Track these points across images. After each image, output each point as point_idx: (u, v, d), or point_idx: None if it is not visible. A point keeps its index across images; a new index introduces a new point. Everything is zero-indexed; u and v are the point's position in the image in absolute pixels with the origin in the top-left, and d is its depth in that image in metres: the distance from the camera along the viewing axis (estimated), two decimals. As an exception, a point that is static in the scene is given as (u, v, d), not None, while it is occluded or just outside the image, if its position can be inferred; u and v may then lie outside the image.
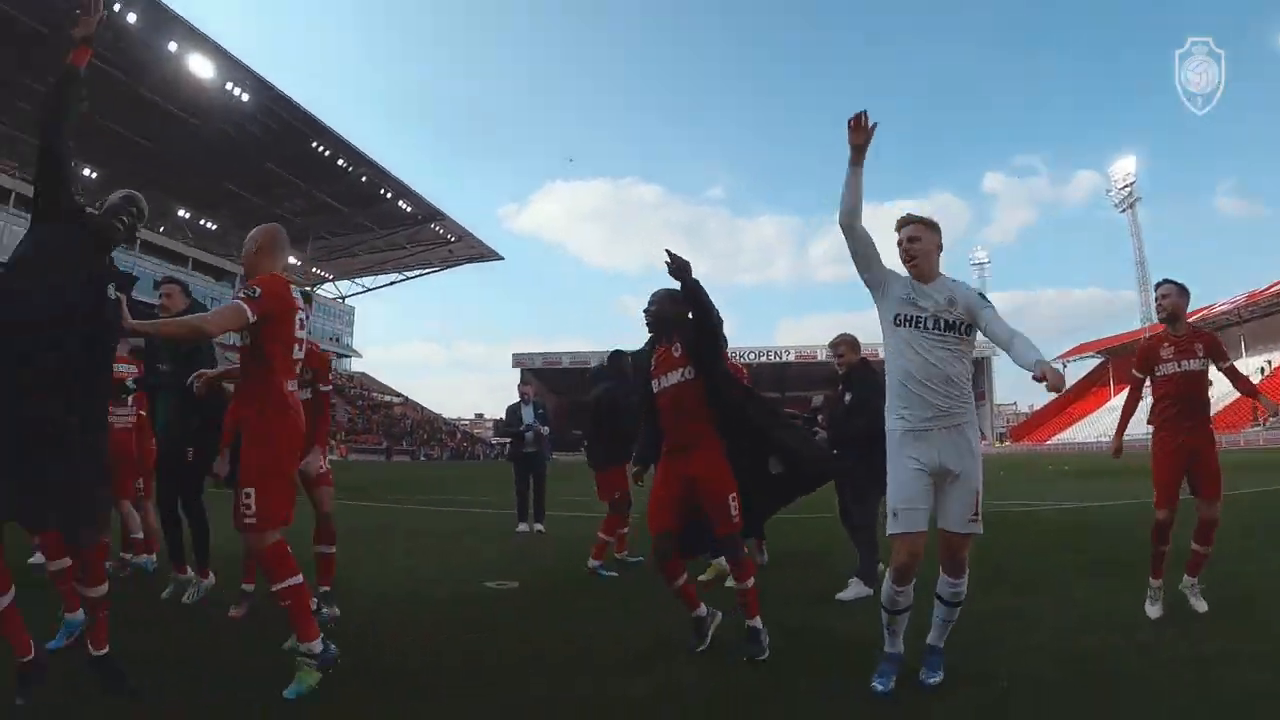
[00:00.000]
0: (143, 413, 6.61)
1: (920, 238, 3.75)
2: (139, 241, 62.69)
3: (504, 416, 11.39)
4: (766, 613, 4.28)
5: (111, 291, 3.43)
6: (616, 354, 7.95)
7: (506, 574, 6.91)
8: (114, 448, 5.05)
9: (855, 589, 5.68)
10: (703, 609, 4.36)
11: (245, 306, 3.53)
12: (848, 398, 6.08)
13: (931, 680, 3.64)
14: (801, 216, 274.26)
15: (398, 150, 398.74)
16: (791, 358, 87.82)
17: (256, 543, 3.58)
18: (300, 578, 3.63)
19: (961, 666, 3.77)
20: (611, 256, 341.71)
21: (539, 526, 10.39)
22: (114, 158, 50.42)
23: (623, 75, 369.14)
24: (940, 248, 3.82)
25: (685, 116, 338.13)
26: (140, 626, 4.49)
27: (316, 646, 3.58)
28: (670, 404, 4.41)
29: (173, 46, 42.74)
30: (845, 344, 6.30)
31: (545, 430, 10.84)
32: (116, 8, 38.03)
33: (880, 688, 3.56)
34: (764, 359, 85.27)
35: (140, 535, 6.56)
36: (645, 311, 4.58)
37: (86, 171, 51.68)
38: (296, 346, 3.79)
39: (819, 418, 6.91)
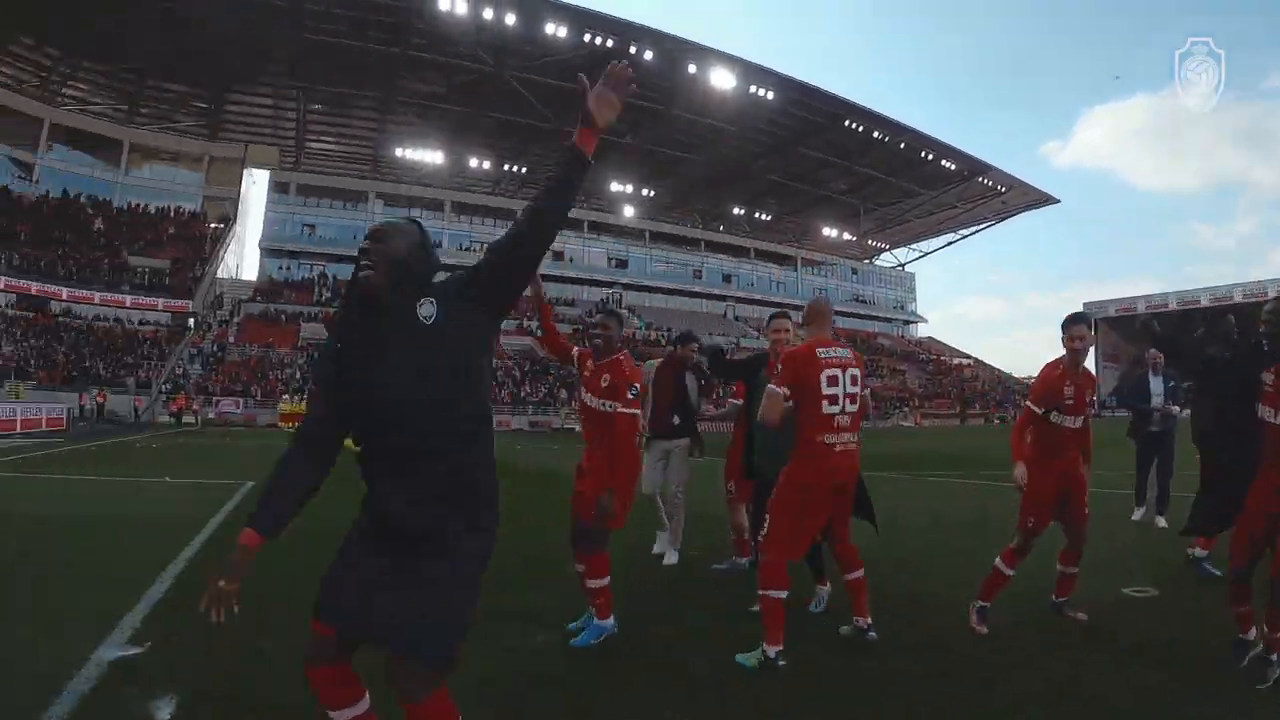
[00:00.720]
0: None
1: None
2: (702, 242, 70.60)
3: (1119, 384, 9.66)
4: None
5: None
6: (1222, 319, 5.83)
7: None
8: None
9: None
10: None
11: (776, 389, 4.13)
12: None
13: None
14: None
15: (921, 113, 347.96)
16: None
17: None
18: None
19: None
20: (1168, 178, 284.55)
21: (1160, 520, 8.75)
22: (665, 176, 58.17)
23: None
24: None
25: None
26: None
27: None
28: None
29: (692, 69, 47.15)
30: None
31: (1176, 411, 8.88)
32: (633, 50, 44.19)
33: None
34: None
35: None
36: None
37: (645, 192, 60.26)
38: (826, 402, 4.14)
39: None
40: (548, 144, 54.98)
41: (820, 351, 4.20)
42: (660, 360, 7.01)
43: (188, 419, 39.94)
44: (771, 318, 5.44)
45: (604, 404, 4.46)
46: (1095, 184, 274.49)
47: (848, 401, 4.17)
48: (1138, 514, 8.97)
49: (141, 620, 4.70)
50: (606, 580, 4.39)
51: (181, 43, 44.29)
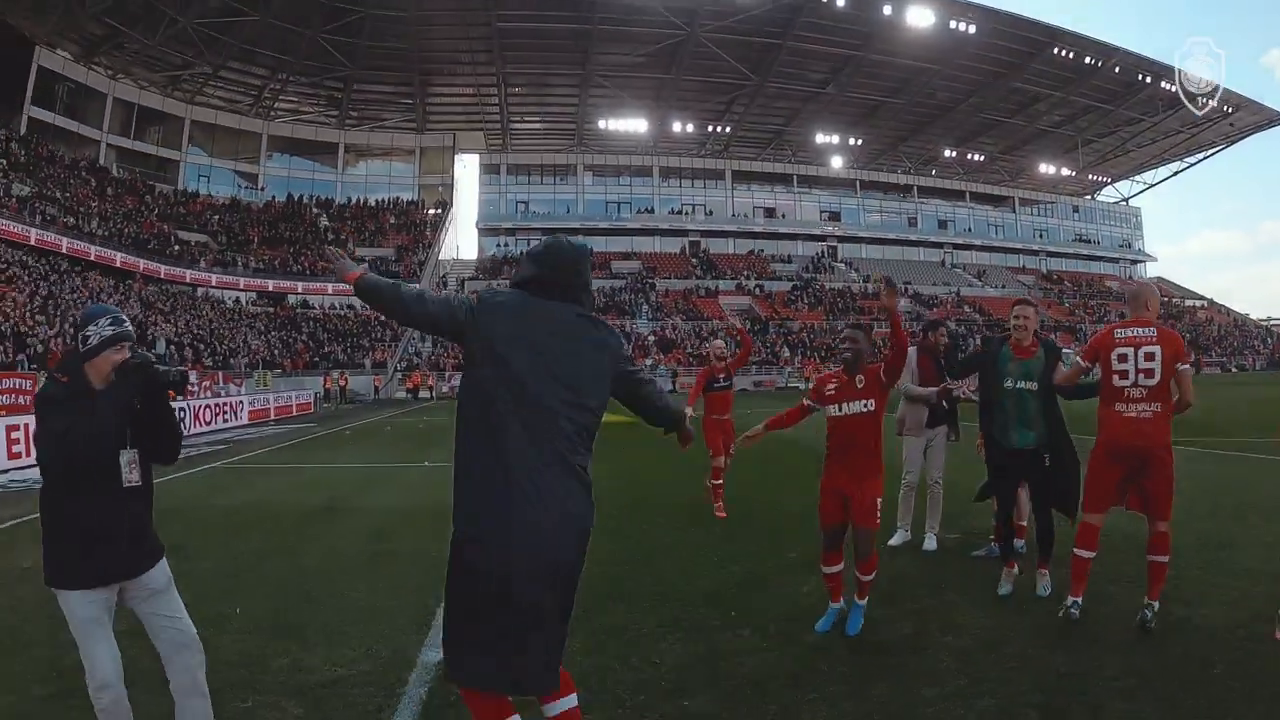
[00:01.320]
0: None
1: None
2: (914, 189, 68.97)
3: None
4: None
5: None
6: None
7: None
8: None
9: None
10: None
11: (1081, 361, 4.98)
12: None
13: None
14: None
15: (1132, 30, 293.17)
16: None
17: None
18: None
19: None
20: None
21: None
22: (870, 123, 58.75)
23: None
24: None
25: None
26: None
27: None
28: None
29: (887, 9, 47.53)
30: None
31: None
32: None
33: None
34: None
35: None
36: None
37: (851, 141, 60.73)
38: (1117, 376, 4.68)
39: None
40: (749, 101, 56.85)
41: (1117, 332, 4.74)
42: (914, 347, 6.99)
43: (423, 394, 44.26)
44: (1015, 304, 5.58)
45: (865, 404, 4.79)
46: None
47: (1141, 375, 4.61)
48: None
49: None
50: (874, 575, 4.87)
51: (381, 45, 50.21)
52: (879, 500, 4.77)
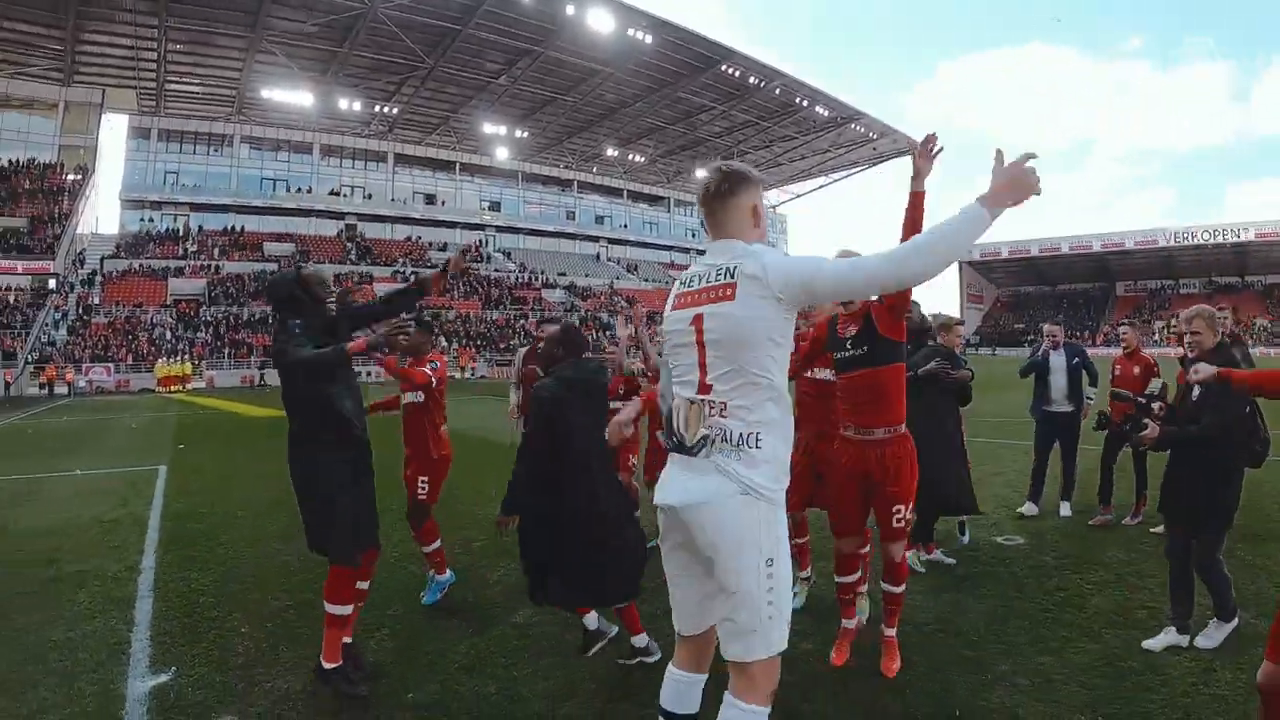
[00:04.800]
0: None
1: None
2: (575, 183, 77.64)
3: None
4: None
5: None
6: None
7: None
8: None
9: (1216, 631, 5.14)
10: None
11: None
12: (1196, 391, 5.12)
13: None
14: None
15: (798, 54, 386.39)
16: (1251, 236, 76.34)
17: None
18: None
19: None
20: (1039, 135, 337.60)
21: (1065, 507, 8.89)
22: (539, 118, 65.16)
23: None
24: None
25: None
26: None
27: None
28: None
29: (570, 9, 52.69)
30: (1201, 319, 5.39)
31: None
32: (509, -8, 50.87)
33: None
34: (1217, 239, 77.44)
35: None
36: None
37: (518, 133, 66.63)
38: None
39: (1155, 406, 5.47)
40: (419, 84, 60.48)
41: None
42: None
43: (59, 389, 43.17)
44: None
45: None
46: (960, 135, 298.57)
47: None
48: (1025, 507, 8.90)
49: (152, 646, 5.34)
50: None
51: None
52: None
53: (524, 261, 71.74)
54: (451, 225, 73.78)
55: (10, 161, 58.18)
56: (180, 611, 6.02)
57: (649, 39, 54.96)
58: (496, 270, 70.06)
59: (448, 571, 6.26)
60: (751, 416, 2.82)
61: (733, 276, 2.84)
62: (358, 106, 63.06)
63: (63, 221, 55.46)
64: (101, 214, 64.52)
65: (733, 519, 2.77)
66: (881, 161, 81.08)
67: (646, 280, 76.71)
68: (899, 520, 4.84)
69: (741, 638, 2.78)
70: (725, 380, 2.85)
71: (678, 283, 3.10)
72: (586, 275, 74.00)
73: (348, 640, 4.78)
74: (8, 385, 42.61)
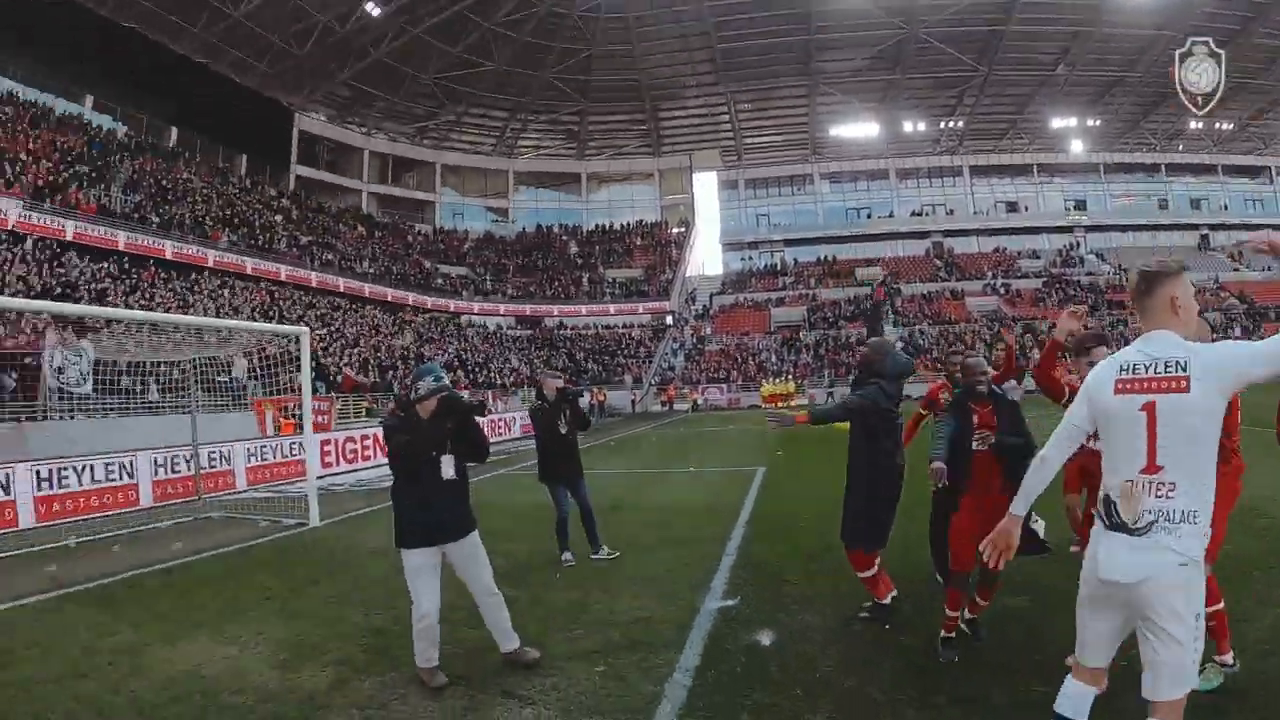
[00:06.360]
0: None
1: None
2: (1162, 167, 73.05)
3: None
4: None
5: None
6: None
7: None
8: None
9: None
10: None
11: None
12: None
13: None
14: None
15: None
16: None
17: None
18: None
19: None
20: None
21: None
22: (1106, 99, 65.27)
23: None
24: None
25: None
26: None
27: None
28: None
29: None
30: None
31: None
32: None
33: None
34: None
35: None
36: None
37: (1089, 122, 65.88)
38: None
39: None
40: (978, 92, 63.86)
41: None
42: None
43: (679, 406, 53.21)
44: None
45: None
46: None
47: None
48: None
49: (726, 584, 7.83)
50: None
51: (609, 78, 63.38)
52: None
53: (1121, 262, 65.33)
54: (1036, 231, 73.73)
55: (623, 224, 74.96)
56: (753, 564, 8.63)
57: (1204, -10, 51.84)
58: (1089, 274, 67.04)
59: None
60: (1195, 494, 3.25)
61: (1184, 370, 3.26)
62: (922, 126, 68.01)
63: (673, 268, 69.03)
64: (706, 258, 77.90)
65: (1173, 588, 3.21)
66: None
67: (1266, 269, 64.45)
68: None
69: (1173, 680, 3.24)
70: (1175, 463, 3.25)
71: (1110, 366, 3.48)
72: (1187, 269, 64.33)
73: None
74: (634, 404, 54.70)
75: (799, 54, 59.86)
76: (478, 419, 5.92)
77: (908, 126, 67.36)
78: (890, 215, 74.27)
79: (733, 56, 60.17)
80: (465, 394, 6.55)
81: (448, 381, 5.78)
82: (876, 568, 6.47)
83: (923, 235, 73.61)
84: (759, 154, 75.37)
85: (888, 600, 6.48)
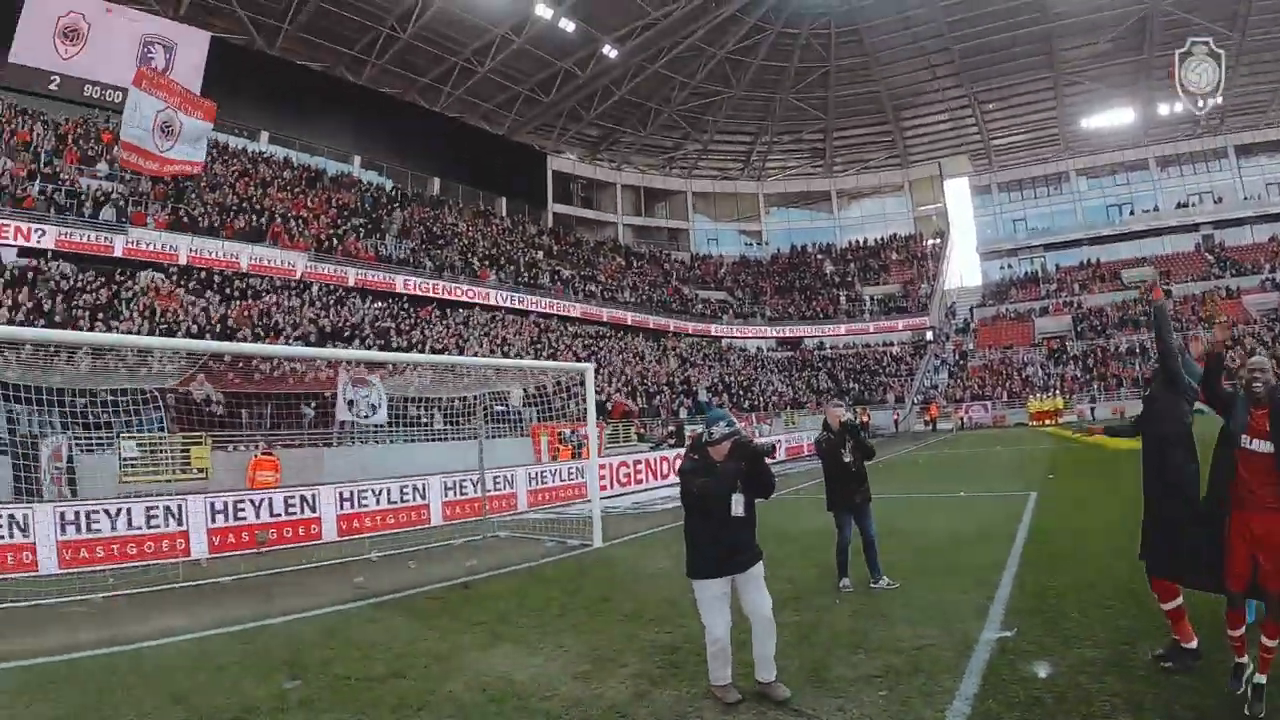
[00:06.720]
0: None
1: None
2: None
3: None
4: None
5: None
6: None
7: None
8: None
9: None
10: None
11: None
12: None
13: None
14: None
15: None
16: None
17: None
18: None
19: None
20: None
21: None
22: None
23: None
24: None
25: None
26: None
27: None
28: None
29: None
30: None
31: None
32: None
33: None
34: None
35: None
36: None
37: None
38: None
39: None
40: (1234, 62, 57.51)
41: None
42: None
43: (943, 425, 52.24)
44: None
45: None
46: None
47: None
48: None
49: (1004, 612, 7.95)
50: None
51: (849, 93, 64.98)
52: None
53: None
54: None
55: (876, 239, 75.08)
56: (1031, 594, 8.64)
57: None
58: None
59: None
60: None
61: None
62: (1179, 107, 60.78)
63: (931, 281, 68.42)
64: (963, 269, 75.69)
65: None
66: None
67: None
68: None
69: None
70: None
71: None
72: None
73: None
74: (896, 423, 54.58)
75: (1039, 44, 58.67)
76: (766, 460, 6.43)
77: (1163, 109, 61.60)
78: (1155, 209, 68.47)
79: (971, 55, 59.93)
80: (756, 439, 7.64)
81: (739, 426, 6.41)
82: (1180, 600, 6.14)
83: (1191, 229, 66.95)
84: (1009, 154, 73.78)
85: (1194, 645, 6.06)
